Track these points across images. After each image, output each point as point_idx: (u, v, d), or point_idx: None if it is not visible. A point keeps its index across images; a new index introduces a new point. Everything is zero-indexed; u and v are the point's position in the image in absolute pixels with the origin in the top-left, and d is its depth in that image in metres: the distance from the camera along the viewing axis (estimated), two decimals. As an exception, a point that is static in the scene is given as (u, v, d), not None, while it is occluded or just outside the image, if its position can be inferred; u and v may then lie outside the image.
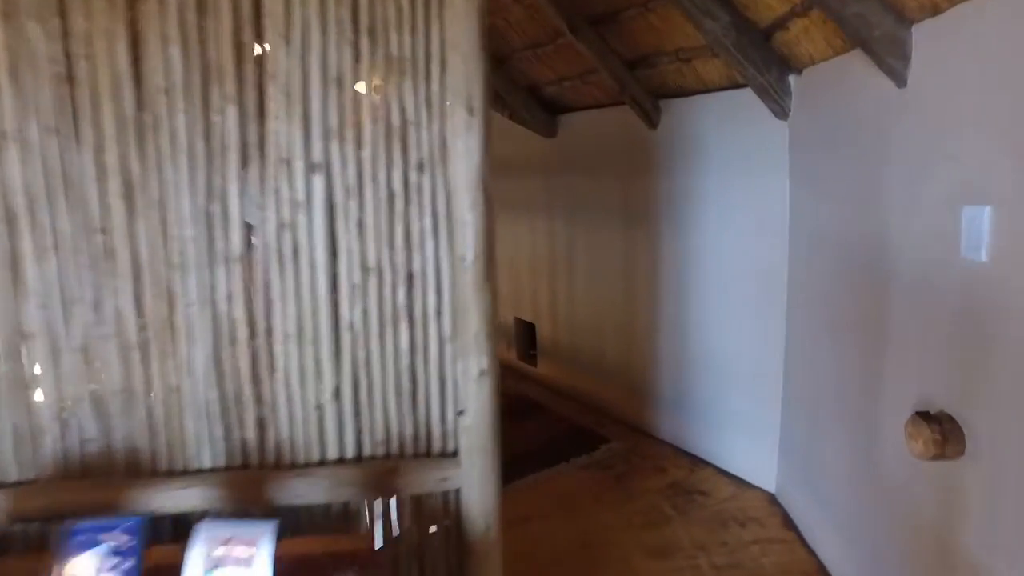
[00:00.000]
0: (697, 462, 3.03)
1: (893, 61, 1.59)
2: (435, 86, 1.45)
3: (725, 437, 2.95)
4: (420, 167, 1.49)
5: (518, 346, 4.55)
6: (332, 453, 1.53)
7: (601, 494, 2.81)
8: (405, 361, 1.55)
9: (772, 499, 2.68)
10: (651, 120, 3.06)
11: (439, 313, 1.55)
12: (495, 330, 1.56)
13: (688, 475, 2.93)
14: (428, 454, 1.58)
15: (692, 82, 2.82)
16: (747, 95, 2.54)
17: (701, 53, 2.60)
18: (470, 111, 1.43)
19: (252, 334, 1.47)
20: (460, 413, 1.56)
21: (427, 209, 1.52)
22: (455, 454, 1.57)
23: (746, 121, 2.66)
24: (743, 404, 2.84)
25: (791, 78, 2.39)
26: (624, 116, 3.22)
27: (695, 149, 2.92)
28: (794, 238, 2.48)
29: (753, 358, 2.76)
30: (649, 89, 3.01)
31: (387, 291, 1.52)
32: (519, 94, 3.66)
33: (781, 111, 2.43)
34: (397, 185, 1.49)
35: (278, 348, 1.48)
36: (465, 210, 1.51)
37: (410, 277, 1.53)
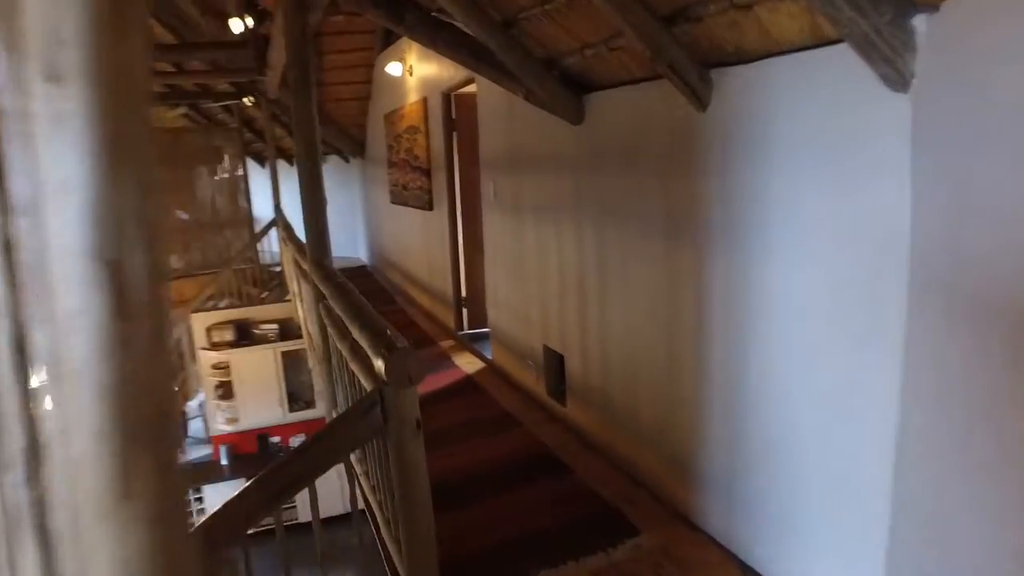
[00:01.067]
0: (757, 579, 2.16)
1: None
2: None
3: (796, 546, 2.06)
4: None
5: (547, 379, 3.76)
6: None
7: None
8: None
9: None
10: (699, 98, 2.17)
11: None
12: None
13: (743, 603, 2.07)
14: None
15: (755, 40, 1.91)
16: (840, 55, 1.62)
17: (767, -8, 1.71)
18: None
19: None
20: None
21: None
22: None
23: (839, 94, 1.75)
24: (826, 501, 1.94)
25: (917, 21, 1.46)
26: (664, 93, 2.34)
27: (760, 138, 2.02)
28: (920, 273, 1.56)
29: (843, 437, 1.86)
30: (694, 54, 2.12)
31: None
32: (534, 68, 2.83)
33: (898, 77, 1.51)
34: None
35: None
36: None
37: None
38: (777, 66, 1.91)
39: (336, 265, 8.75)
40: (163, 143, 9.08)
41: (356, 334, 2.13)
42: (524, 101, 3.15)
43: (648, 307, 2.69)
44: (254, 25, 5.23)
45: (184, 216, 9.66)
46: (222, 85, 8.48)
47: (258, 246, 9.28)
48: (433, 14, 3.14)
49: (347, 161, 9.89)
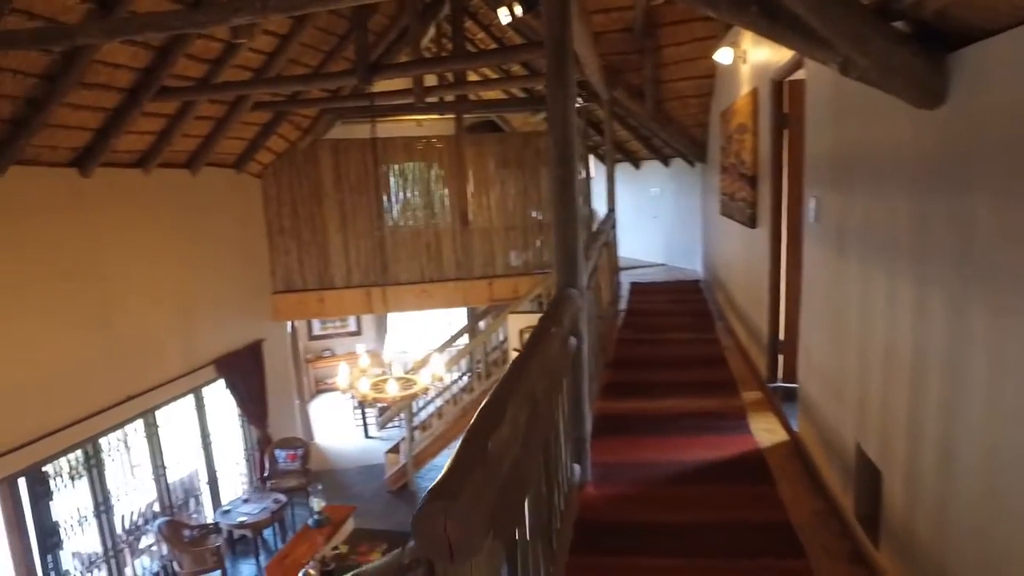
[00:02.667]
0: None
1: None
2: None
3: None
4: None
5: (856, 495, 2.51)
6: None
7: None
8: None
9: None
10: None
11: None
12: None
13: None
14: None
15: None
16: None
17: None
18: None
19: None
20: None
21: None
22: None
23: None
24: None
25: None
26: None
27: None
28: None
29: None
30: None
31: None
32: (850, 17, 1.72)
33: None
34: None
35: None
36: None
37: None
38: None
39: (671, 277, 8.08)
40: (515, 146, 9.61)
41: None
42: (852, 81, 2.02)
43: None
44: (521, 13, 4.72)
45: (538, 216, 10.12)
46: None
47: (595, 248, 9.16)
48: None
49: (692, 165, 9.09)
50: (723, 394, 4.34)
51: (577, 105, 8.68)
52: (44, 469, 5.70)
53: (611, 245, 6.98)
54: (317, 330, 13.65)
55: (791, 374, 4.16)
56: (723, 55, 4.97)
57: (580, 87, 7.75)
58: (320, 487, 7.09)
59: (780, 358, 4.26)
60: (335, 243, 9.36)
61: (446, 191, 9.53)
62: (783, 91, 3.92)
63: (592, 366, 3.83)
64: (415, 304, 9.72)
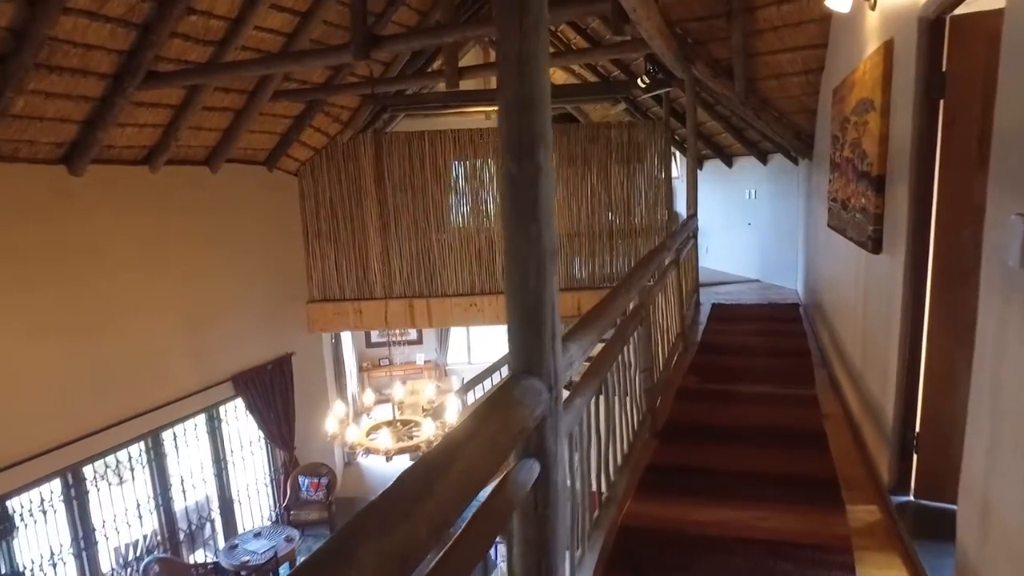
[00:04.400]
0: None
1: None
2: None
3: None
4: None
5: None
6: None
7: None
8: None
9: None
10: None
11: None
12: None
13: None
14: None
15: None
16: None
17: None
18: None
19: None
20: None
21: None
22: None
23: None
24: None
25: None
26: None
27: None
28: None
29: None
30: None
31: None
32: None
33: None
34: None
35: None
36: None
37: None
38: None
39: (764, 298, 6.46)
40: (581, 138, 8.24)
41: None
42: None
43: None
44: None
45: (617, 220, 8.74)
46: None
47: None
48: None
49: (795, 162, 7.39)
50: (818, 504, 2.86)
51: (649, 89, 7.21)
52: (8, 503, 5.03)
53: (683, 264, 5.53)
54: (376, 337, 12.88)
55: (935, 485, 2.66)
56: (838, 1, 3.44)
57: (650, 63, 6.32)
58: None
59: (915, 459, 2.74)
60: (375, 248, 8.41)
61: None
62: (942, 35, 2.41)
63: (582, 514, 2.52)
64: (463, 319, 8.61)
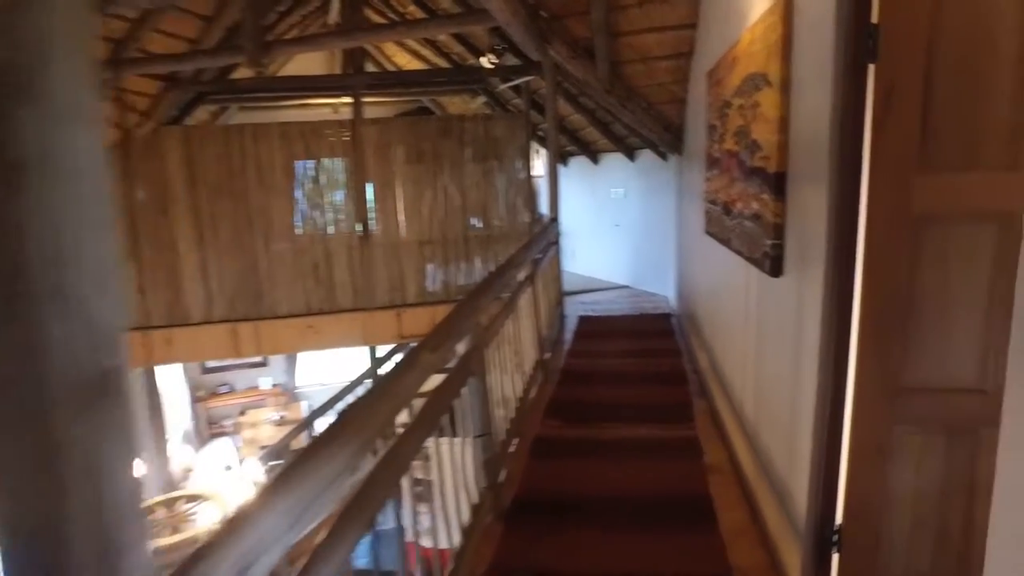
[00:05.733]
0: None
1: None
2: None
3: None
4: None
5: None
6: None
7: None
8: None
9: None
10: None
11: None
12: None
13: None
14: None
15: None
16: None
17: None
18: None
19: None
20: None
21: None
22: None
23: None
24: None
25: None
26: None
27: None
28: None
29: None
30: None
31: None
32: None
33: None
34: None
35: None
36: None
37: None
38: None
39: (635, 307, 5.40)
40: (431, 133, 7.23)
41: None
42: None
43: None
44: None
45: (478, 224, 7.80)
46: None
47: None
48: None
49: (664, 158, 6.84)
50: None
51: (501, 73, 6.32)
52: None
53: (543, 276, 4.69)
54: (213, 361, 11.18)
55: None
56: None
57: (496, 38, 5.44)
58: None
59: (835, 560, 2.00)
60: (189, 265, 6.93)
61: (341, 195, 7.15)
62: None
63: None
64: (298, 343, 7.34)
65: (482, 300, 2.67)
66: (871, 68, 1.71)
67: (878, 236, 1.74)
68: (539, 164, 9.94)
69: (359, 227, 7.08)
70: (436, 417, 2.00)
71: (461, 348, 2.48)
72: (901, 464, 1.88)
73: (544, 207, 8.40)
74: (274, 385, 11.52)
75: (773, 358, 2.45)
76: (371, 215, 7.15)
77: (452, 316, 2.23)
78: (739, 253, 2.87)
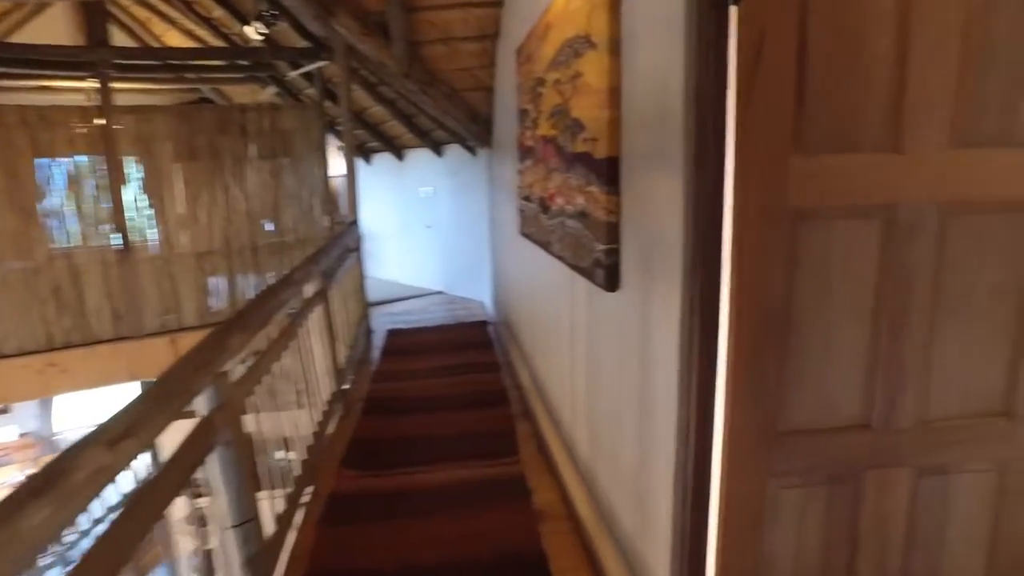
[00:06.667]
0: None
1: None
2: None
3: None
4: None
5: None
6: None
7: None
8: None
9: None
10: None
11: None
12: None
13: None
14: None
15: None
16: None
17: None
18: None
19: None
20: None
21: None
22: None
23: None
24: None
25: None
26: None
27: None
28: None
29: None
30: None
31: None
32: None
33: None
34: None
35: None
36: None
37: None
38: None
39: (450, 315, 4.85)
40: (206, 125, 6.08)
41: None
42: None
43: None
44: None
45: (270, 227, 6.71)
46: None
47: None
48: None
49: (472, 153, 6.37)
50: None
51: (269, 39, 5.11)
52: None
53: (340, 288, 3.94)
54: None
55: None
56: None
57: (264, 3, 4.58)
58: None
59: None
60: None
61: (94, 200, 5.73)
62: None
63: None
64: (37, 388, 5.79)
65: (231, 339, 1.90)
66: (733, 12, 1.27)
67: (750, 235, 1.30)
68: (338, 162, 9.03)
69: (117, 239, 5.73)
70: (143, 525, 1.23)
71: (202, 406, 1.71)
72: (781, 524, 1.48)
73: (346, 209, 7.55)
74: (22, 435, 9.33)
75: (611, 391, 1.99)
76: (132, 224, 5.84)
77: (166, 378, 1.45)
78: (561, 259, 2.40)
